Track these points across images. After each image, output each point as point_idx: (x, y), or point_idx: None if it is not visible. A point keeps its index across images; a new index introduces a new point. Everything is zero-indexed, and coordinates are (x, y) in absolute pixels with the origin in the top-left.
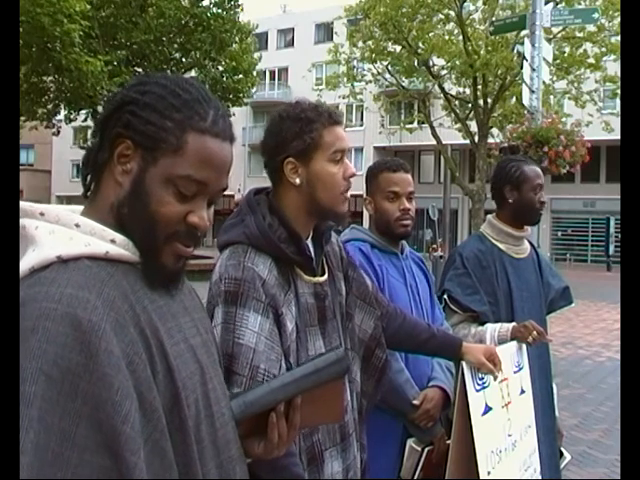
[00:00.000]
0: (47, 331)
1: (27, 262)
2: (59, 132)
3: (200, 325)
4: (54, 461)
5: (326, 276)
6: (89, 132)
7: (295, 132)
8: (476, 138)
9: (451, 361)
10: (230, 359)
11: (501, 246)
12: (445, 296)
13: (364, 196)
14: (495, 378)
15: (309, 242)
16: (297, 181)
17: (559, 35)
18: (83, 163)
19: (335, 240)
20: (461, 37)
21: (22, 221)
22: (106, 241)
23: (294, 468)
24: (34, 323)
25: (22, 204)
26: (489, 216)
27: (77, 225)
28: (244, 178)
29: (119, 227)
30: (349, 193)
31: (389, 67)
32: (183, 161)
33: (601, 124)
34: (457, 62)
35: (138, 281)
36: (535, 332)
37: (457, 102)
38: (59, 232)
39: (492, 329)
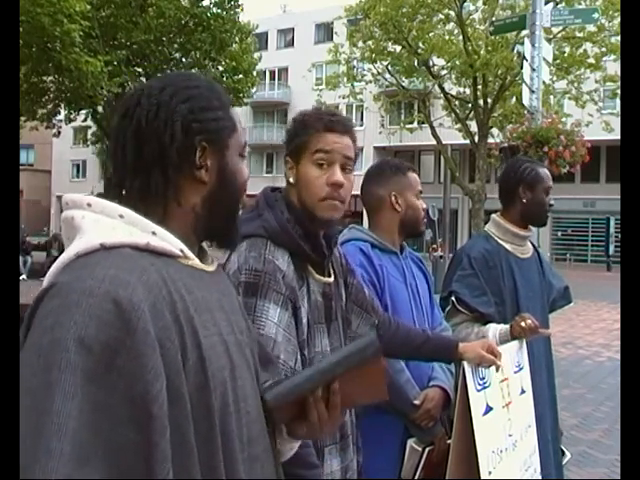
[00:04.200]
0: (90, 306)
1: (73, 248)
2: (60, 133)
3: (235, 326)
4: (92, 430)
5: (333, 278)
6: (89, 132)
7: (292, 133)
8: (476, 138)
9: (450, 363)
10: None
11: (507, 246)
12: (453, 297)
13: (391, 192)
14: (497, 369)
15: None
16: (291, 179)
17: (559, 35)
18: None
19: (336, 247)
20: (461, 37)
21: (71, 212)
22: (147, 232)
23: (309, 458)
24: (78, 298)
25: (72, 195)
26: (494, 215)
27: (121, 216)
28: None
29: (208, 221)
30: (336, 200)
31: (389, 67)
32: (239, 133)
33: (601, 124)
34: (457, 62)
35: (178, 273)
36: (529, 321)
37: (457, 102)
38: (103, 221)
39: (494, 328)
